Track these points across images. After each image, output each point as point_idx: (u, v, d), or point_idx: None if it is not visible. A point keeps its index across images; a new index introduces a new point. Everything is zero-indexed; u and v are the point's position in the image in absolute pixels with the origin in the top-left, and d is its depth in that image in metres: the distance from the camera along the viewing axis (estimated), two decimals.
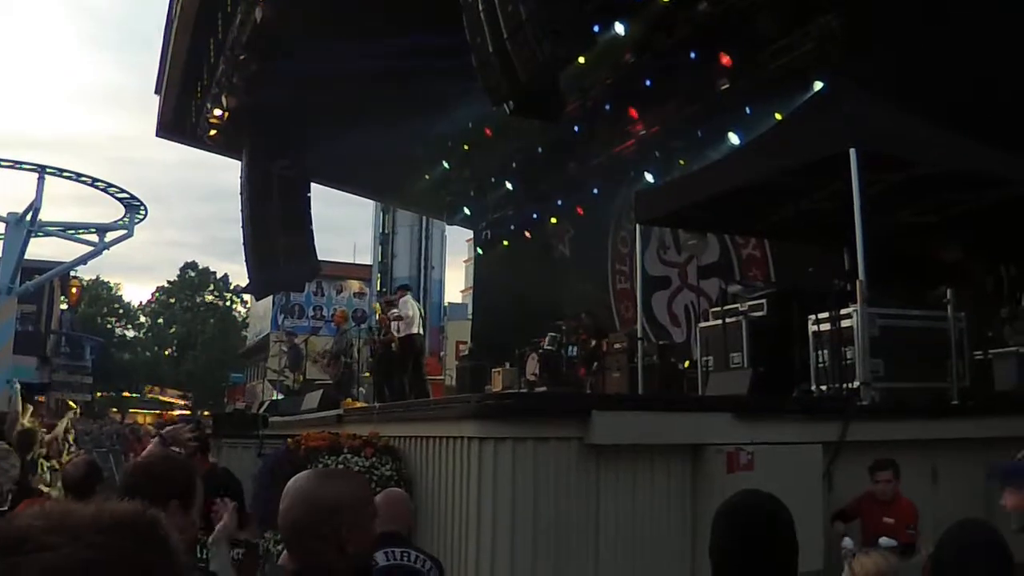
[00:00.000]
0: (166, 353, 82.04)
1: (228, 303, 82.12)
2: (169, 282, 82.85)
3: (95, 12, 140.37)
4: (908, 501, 6.49)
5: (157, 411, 64.40)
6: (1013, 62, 9.67)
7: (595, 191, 19.14)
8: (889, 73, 10.43)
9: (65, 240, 42.75)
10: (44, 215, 39.98)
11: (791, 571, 2.69)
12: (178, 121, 23.57)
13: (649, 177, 16.88)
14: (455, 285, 52.05)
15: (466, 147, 21.31)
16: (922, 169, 9.01)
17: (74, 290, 57.59)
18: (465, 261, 47.89)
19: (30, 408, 12.38)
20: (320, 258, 23.97)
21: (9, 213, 39.29)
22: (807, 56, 12.59)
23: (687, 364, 12.91)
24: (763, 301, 10.06)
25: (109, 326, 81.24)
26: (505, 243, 22.99)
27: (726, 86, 14.30)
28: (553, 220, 21.05)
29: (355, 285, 51.16)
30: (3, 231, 39.30)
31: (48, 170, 39.21)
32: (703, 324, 11.24)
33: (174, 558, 1.20)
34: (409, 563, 4.40)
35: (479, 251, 26.20)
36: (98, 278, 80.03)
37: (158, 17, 28.66)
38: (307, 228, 22.45)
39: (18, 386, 15.51)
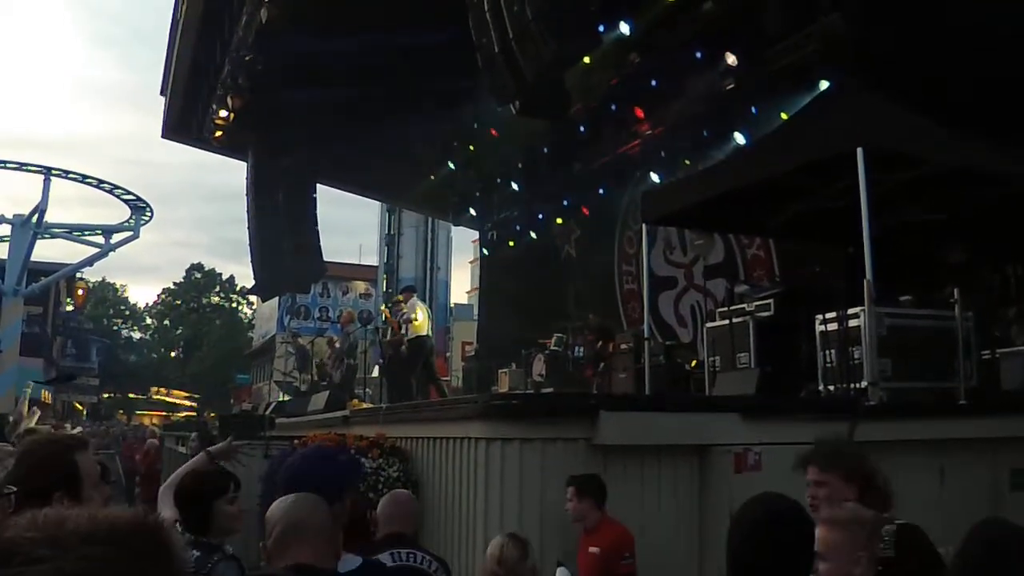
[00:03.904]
0: (172, 355, 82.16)
1: (234, 304, 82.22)
2: (175, 283, 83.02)
3: (101, 12, 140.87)
4: (619, 527, 5.68)
5: (163, 412, 64.54)
6: (1019, 57, 9.62)
7: (601, 191, 19.10)
8: (894, 71, 10.39)
9: (71, 242, 42.89)
10: (50, 217, 40.07)
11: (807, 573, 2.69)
12: (184, 122, 23.60)
13: (655, 177, 16.84)
14: (461, 286, 52.10)
15: (471, 147, 21.30)
16: (929, 168, 8.99)
17: (80, 292, 57.69)
18: (471, 262, 47.89)
19: (37, 412, 12.39)
20: (326, 259, 24.01)
21: (15, 215, 39.39)
22: (812, 55, 12.56)
23: (694, 364, 12.87)
24: (770, 301, 10.02)
25: (115, 328, 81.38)
26: (511, 244, 22.94)
27: (732, 86, 14.25)
28: (559, 221, 21.01)
29: (361, 286, 51.25)
30: (9, 233, 39.38)
31: (54, 172, 39.30)
32: (710, 324, 11.20)
33: (175, 567, 1.17)
34: (415, 564, 4.39)
35: (485, 252, 26.17)
36: (104, 280, 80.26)
37: (164, 18, 28.54)
38: (313, 229, 22.48)
39: (28, 389, 15.54)
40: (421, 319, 15.27)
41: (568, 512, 5.74)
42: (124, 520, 1.15)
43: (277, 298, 38.92)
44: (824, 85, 11.66)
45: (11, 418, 11.14)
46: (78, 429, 15.59)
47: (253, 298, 63.56)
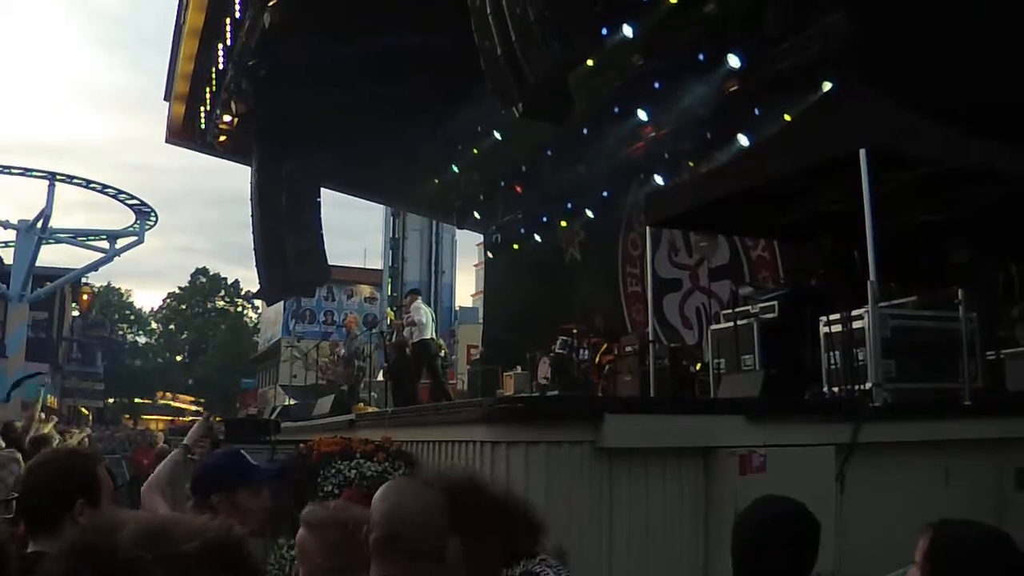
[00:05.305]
0: (177, 359, 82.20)
1: (239, 309, 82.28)
2: (180, 288, 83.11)
3: (104, 16, 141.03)
4: None
5: (169, 416, 64.54)
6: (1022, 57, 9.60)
7: (605, 194, 19.10)
8: (897, 71, 10.38)
9: (76, 247, 43.00)
10: (54, 222, 40.15)
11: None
12: (187, 127, 23.62)
13: (658, 179, 16.85)
14: (466, 289, 52.24)
15: (475, 150, 21.28)
16: (932, 168, 8.99)
17: (85, 297, 57.77)
18: (476, 265, 47.96)
19: (54, 419, 12.39)
20: (330, 263, 23.98)
21: (20, 220, 39.47)
22: (815, 56, 12.55)
23: (699, 366, 12.87)
24: (774, 303, 10.03)
25: (120, 332, 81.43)
26: (515, 246, 22.93)
27: (735, 87, 14.25)
28: (563, 223, 21.00)
29: (366, 290, 51.36)
30: (14, 238, 39.47)
31: (58, 177, 39.35)
32: (714, 326, 11.21)
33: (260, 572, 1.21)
34: None
35: (489, 255, 26.17)
36: (109, 284, 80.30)
37: (167, 23, 28.53)
38: (317, 233, 22.46)
39: (43, 390, 15.59)
40: (425, 322, 15.27)
41: None
42: (221, 535, 1.18)
43: (282, 302, 38.95)
44: (827, 86, 11.66)
45: (18, 423, 11.15)
46: (86, 433, 15.58)
47: (258, 302, 63.63)
